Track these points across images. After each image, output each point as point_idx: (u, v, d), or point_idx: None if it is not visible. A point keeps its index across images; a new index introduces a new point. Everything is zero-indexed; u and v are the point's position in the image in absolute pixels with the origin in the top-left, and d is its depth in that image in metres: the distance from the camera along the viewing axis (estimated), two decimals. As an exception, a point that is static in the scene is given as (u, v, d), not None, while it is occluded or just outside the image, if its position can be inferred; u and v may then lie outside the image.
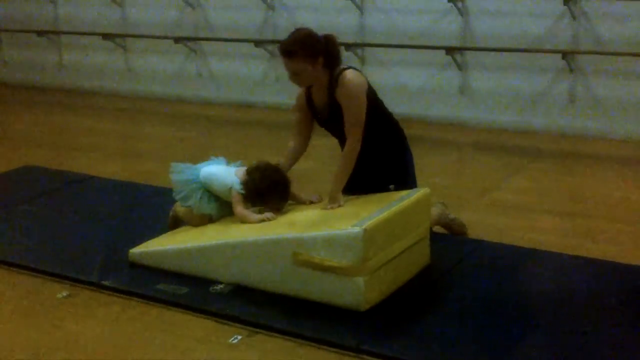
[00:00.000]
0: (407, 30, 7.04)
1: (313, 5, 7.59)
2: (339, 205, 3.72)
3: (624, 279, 3.65)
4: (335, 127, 3.90)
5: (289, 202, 3.94)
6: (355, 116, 3.75)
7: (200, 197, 3.96)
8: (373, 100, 3.86)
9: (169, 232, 4.06)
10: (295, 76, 3.81)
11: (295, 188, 3.96)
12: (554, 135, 6.68)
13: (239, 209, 3.84)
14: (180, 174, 4.05)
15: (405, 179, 3.97)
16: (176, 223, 4.09)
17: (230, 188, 3.88)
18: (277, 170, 3.89)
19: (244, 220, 3.81)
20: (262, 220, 3.74)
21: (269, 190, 3.81)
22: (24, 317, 3.39)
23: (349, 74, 3.77)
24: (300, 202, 3.98)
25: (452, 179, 5.56)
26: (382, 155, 3.95)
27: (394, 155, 4.01)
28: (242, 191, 3.85)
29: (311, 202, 3.95)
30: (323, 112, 3.92)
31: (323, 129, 4.07)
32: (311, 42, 3.77)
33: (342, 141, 3.92)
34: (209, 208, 3.97)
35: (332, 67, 3.81)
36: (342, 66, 3.83)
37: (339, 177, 3.80)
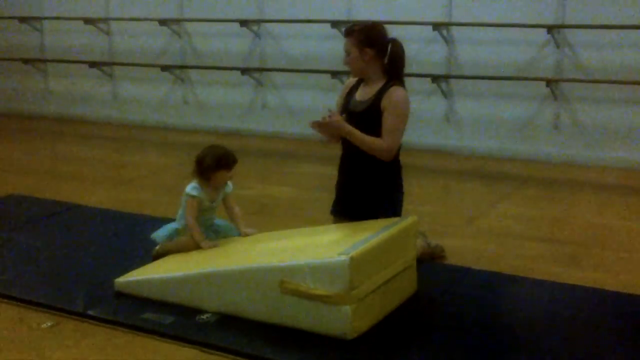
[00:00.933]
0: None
1: (300, 33, 7.64)
2: (336, 121, 3.77)
3: (610, 306, 3.67)
4: (355, 123, 3.88)
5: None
6: (393, 126, 3.80)
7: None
8: None
9: (155, 261, 4.05)
10: (346, 56, 3.92)
11: (241, 219, 4.20)
12: (539, 162, 6.73)
13: (190, 218, 4.01)
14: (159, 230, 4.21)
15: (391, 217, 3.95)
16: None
17: (186, 194, 4.04)
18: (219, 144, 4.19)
19: (192, 234, 4.00)
20: (210, 247, 3.94)
21: (209, 157, 4.02)
22: (8, 348, 3.36)
23: (404, 93, 3.86)
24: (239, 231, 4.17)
25: (439, 206, 5.58)
26: (376, 187, 3.94)
27: (387, 191, 3.98)
28: (193, 192, 4.01)
29: (246, 234, 4.12)
30: (357, 106, 3.93)
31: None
32: (370, 31, 3.89)
33: (348, 147, 3.94)
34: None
35: (390, 73, 3.88)
36: (399, 82, 3.90)
37: (357, 135, 3.80)
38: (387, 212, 3.91)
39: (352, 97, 3.99)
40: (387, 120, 3.80)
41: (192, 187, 4.04)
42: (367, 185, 3.94)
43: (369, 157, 3.87)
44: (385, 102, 3.81)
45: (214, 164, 4.03)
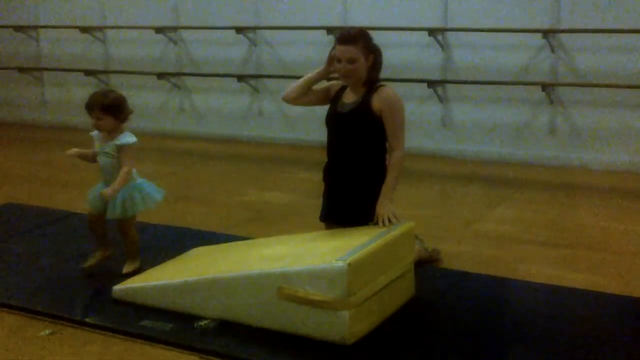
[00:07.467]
0: (389, 64, 7.07)
1: (295, 40, 7.66)
2: (393, 215, 3.75)
3: (607, 308, 3.68)
4: (343, 124, 3.94)
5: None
6: (400, 128, 3.87)
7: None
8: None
9: (152, 268, 4.05)
10: (349, 64, 3.88)
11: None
12: (535, 166, 6.75)
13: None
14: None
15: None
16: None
17: None
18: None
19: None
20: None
21: None
22: (6, 356, 3.35)
23: (394, 92, 3.94)
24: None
25: (436, 210, 5.59)
26: (367, 190, 3.96)
27: (377, 194, 3.97)
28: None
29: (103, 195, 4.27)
30: (344, 107, 3.98)
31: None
32: (370, 37, 3.96)
33: (336, 143, 3.99)
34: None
35: (373, 75, 3.95)
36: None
37: (390, 186, 3.85)
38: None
39: (339, 99, 4.04)
40: (390, 126, 3.85)
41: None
42: (358, 190, 3.96)
43: (358, 162, 3.92)
44: (378, 103, 3.85)
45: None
